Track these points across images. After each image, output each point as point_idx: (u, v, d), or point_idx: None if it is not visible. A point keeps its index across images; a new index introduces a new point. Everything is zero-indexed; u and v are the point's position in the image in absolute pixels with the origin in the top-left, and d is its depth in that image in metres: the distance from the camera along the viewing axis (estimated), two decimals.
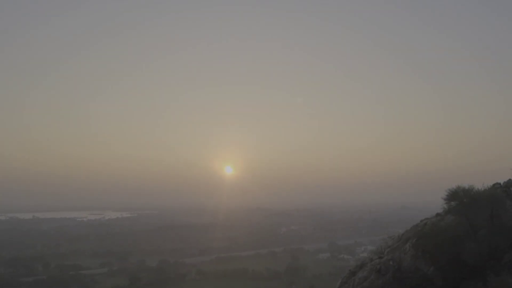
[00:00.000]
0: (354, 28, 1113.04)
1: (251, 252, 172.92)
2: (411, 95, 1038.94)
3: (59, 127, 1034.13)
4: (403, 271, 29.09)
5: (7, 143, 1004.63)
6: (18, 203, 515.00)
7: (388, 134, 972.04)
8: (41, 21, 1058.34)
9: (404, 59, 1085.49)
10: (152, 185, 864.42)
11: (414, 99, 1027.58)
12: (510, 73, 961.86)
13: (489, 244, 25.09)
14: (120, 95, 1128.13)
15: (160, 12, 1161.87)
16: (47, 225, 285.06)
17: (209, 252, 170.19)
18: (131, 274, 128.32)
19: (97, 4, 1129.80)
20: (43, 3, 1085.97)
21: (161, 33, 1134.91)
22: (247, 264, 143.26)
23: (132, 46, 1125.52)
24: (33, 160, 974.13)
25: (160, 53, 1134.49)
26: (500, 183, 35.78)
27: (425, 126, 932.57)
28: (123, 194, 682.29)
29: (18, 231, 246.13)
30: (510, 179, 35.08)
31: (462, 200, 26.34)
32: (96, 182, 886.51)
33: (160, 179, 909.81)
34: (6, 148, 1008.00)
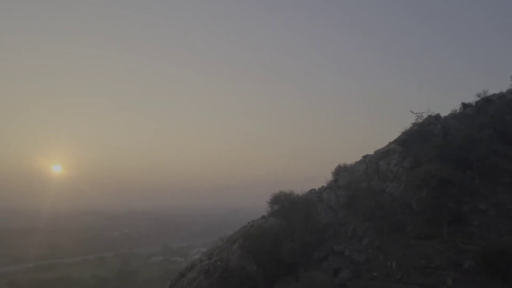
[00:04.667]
0: None
1: (77, 259, 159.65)
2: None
3: None
4: (230, 270, 30.78)
5: None
6: None
7: (227, 142, 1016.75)
8: None
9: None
10: None
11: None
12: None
13: (302, 242, 28.42)
14: None
15: None
16: None
17: (26, 260, 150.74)
18: None
19: None
20: None
21: None
22: (72, 271, 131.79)
23: None
24: None
25: None
26: (315, 189, 40.90)
27: (256, 136, 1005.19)
28: None
29: None
30: (323, 186, 40.38)
31: (283, 203, 29.35)
32: None
33: None
34: None
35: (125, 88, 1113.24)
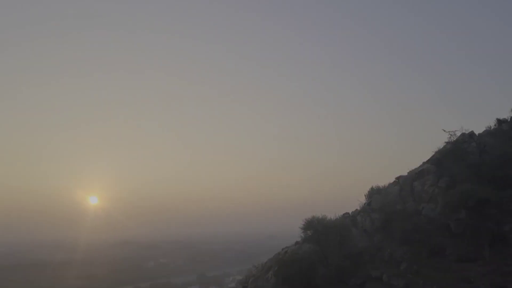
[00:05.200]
0: None
1: None
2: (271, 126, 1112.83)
3: None
4: None
5: None
6: None
7: (258, 167, 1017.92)
8: None
9: None
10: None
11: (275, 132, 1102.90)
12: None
13: (337, 268, 27.92)
14: None
15: None
16: None
17: None
18: None
19: None
20: None
21: None
22: None
23: None
24: None
25: None
26: (349, 213, 40.33)
27: (285, 161, 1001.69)
28: None
29: None
30: (356, 209, 39.80)
31: (316, 229, 29.10)
32: None
33: (7, 212, 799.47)
34: None
35: (158, 117, 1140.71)
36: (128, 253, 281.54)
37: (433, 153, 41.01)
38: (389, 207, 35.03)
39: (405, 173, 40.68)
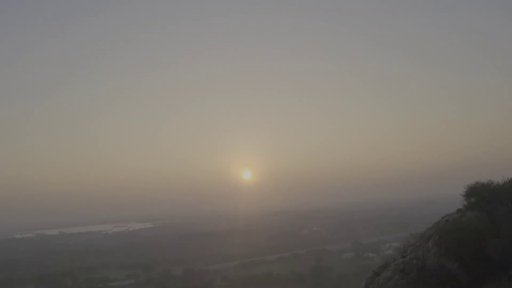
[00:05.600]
0: (351, 26, 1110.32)
1: (274, 256, 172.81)
2: (421, 87, 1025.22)
3: (77, 144, 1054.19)
4: (427, 269, 29.08)
5: (32, 164, 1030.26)
6: (45, 220, 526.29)
7: (407, 128, 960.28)
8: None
9: (407, 52, 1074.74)
10: (172, 195, 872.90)
11: (425, 91, 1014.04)
12: None
13: (511, 238, 25.00)
14: (134, 109, 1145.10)
15: (163, 19, 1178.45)
16: (73, 240, 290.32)
17: (232, 258, 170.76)
18: (158, 284, 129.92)
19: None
20: None
21: (165, 39, 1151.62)
22: (271, 268, 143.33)
23: (138, 54, 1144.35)
24: (56, 178, 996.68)
25: (166, 59, 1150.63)
26: None
27: (444, 117, 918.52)
28: (145, 206, 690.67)
29: (45, 247, 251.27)
30: None
31: (481, 195, 26.34)
32: (118, 195, 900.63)
33: (180, 189, 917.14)
34: (31, 168, 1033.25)
35: (302, 91, 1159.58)
36: (283, 222, 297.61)
37: None
38: None
39: None
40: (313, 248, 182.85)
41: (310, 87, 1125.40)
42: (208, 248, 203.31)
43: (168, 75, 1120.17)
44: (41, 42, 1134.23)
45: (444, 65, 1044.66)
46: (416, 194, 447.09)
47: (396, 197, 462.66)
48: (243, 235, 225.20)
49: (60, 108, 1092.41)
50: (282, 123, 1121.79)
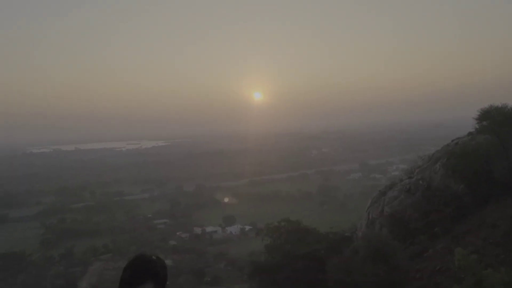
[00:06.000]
0: None
1: (283, 175, 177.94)
2: (434, 4, 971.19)
3: (94, 64, 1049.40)
4: (433, 189, 29.84)
5: (48, 82, 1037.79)
6: (61, 136, 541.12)
7: (420, 48, 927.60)
8: None
9: None
10: (184, 114, 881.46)
11: (438, 9, 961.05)
12: None
13: None
14: (150, 29, 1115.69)
15: None
16: (88, 156, 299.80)
17: (243, 176, 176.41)
18: (171, 199, 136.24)
19: None
20: None
21: None
22: (280, 186, 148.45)
23: None
24: (72, 96, 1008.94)
25: None
26: None
27: (459, 37, 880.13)
28: (157, 125, 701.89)
29: (62, 162, 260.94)
30: None
31: (494, 119, 26.02)
32: (132, 114, 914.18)
33: (191, 108, 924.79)
34: (47, 85, 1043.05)
35: (314, 13, 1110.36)
36: (292, 143, 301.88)
37: None
38: None
39: None
40: (321, 168, 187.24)
41: (322, 9, 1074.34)
42: (219, 166, 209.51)
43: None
44: None
45: None
46: (427, 117, 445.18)
47: (406, 120, 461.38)
48: (253, 154, 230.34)
49: (78, 24, 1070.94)
50: (293, 45, 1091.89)
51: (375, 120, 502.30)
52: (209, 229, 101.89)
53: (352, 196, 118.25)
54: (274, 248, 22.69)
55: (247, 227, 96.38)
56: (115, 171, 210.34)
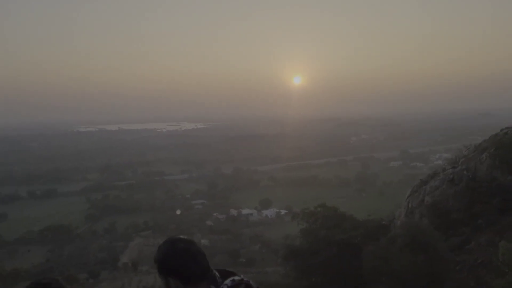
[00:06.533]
0: None
1: (321, 161, 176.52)
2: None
3: (135, 46, 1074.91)
4: (478, 180, 28.68)
5: (93, 64, 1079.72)
6: (105, 116, 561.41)
7: (468, 35, 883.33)
8: None
9: None
10: (224, 97, 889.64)
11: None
12: None
13: None
14: (192, 11, 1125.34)
15: None
16: (131, 136, 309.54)
17: (280, 160, 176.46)
18: (209, 181, 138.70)
19: None
20: None
21: None
22: (317, 172, 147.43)
23: None
24: (115, 77, 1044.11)
25: None
26: None
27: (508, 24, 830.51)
28: (197, 107, 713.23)
29: (106, 141, 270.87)
30: None
31: None
32: (172, 95, 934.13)
33: (231, 92, 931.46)
34: (94, 68, 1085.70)
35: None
36: (332, 129, 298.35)
37: None
38: None
39: None
40: (360, 155, 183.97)
41: None
42: (256, 150, 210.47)
43: None
44: None
45: None
46: (474, 106, 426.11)
47: (452, 108, 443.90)
48: (291, 139, 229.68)
49: (118, 5, 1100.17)
50: (336, 29, 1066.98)
51: (420, 108, 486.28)
52: (245, 211, 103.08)
53: (392, 184, 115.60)
54: (309, 233, 22.67)
55: (283, 211, 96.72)
56: (156, 151, 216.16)
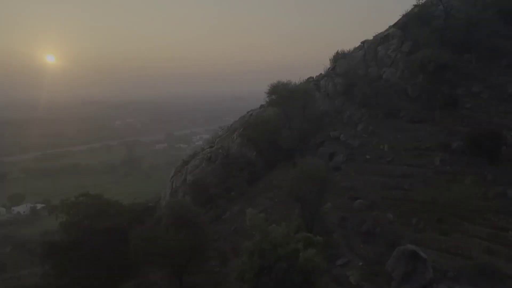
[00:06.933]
0: None
1: (83, 147, 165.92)
2: None
3: None
4: (231, 157, 32.52)
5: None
6: None
7: (225, 28, 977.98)
8: None
9: None
10: None
11: None
12: None
13: (299, 130, 29.53)
14: None
15: None
16: None
17: (33, 149, 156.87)
18: None
19: None
20: None
21: None
22: (79, 159, 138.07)
23: None
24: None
25: None
26: (313, 77, 40.90)
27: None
28: None
29: None
30: (321, 74, 40.38)
31: (281, 93, 29.74)
32: None
33: None
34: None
35: None
36: (93, 112, 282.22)
37: (400, 16, 40.28)
38: (353, 71, 35.68)
39: (371, 37, 40.35)
40: (126, 139, 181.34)
41: None
42: (3, 138, 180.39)
43: None
44: None
45: None
46: (228, 89, 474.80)
47: (211, 91, 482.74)
48: (47, 124, 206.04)
49: None
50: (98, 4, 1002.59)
51: (182, 91, 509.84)
52: None
53: (158, 167, 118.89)
54: (70, 225, 21.07)
55: (39, 206, 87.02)
56: None
